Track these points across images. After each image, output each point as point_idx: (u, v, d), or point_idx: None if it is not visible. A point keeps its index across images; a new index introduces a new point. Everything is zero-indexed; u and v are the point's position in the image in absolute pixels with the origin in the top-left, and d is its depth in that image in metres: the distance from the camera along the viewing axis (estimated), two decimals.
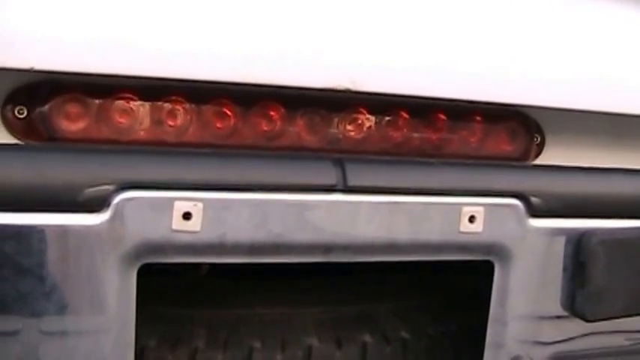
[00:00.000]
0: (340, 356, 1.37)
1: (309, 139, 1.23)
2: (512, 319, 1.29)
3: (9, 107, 1.09)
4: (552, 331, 1.34)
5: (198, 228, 1.06)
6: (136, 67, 1.04)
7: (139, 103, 1.14)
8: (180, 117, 1.16)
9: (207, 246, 1.08)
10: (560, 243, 1.28)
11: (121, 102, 1.13)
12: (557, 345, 1.34)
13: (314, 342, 1.36)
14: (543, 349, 1.34)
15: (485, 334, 1.30)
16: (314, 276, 1.48)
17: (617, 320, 1.35)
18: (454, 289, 1.52)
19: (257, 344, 1.33)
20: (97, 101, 1.12)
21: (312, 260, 1.15)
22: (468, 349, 1.37)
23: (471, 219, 1.20)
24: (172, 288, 1.42)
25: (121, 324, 1.07)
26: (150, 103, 1.14)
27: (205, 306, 1.39)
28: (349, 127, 1.25)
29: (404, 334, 1.42)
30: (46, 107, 1.10)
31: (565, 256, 1.29)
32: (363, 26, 1.13)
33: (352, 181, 1.13)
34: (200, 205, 1.06)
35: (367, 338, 1.40)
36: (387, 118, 1.27)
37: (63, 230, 1.01)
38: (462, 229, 1.20)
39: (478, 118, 1.33)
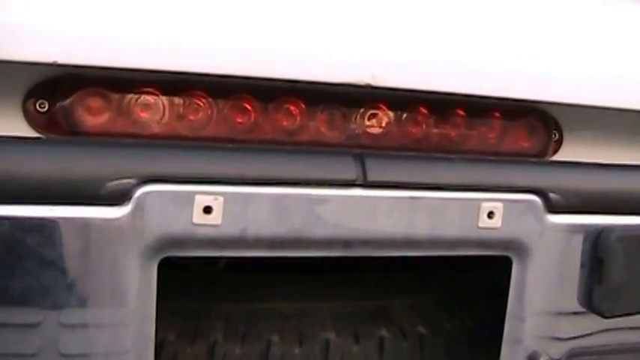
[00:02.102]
0: (357, 350, 1.38)
1: (329, 135, 1.23)
2: (529, 314, 1.29)
3: (30, 101, 1.10)
4: (570, 327, 1.33)
5: (218, 222, 1.07)
6: (157, 61, 1.05)
7: (160, 97, 1.14)
8: (200, 112, 1.17)
9: (228, 240, 1.08)
10: (579, 239, 1.28)
11: (142, 96, 1.14)
12: (574, 341, 1.34)
13: (331, 336, 1.37)
14: (560, 345, 1.33)
15: (502, 330, 1.29)
16: (331, 271, 1.49)
17: (635, 316, 1.34)
18: (471, 285, 1.52)
19: (275, 338, 1.34)
20: (118, 95, 1.13)
21: (332, 255, 1.15)
22: (484, 344, 1.37)
23: (490, 214, 1.21)
24: (191, 282, 1.42)
25: (141, 317, 1.08)
26: (171, 97, 1.15)
27: (224, 300, 1.40)
28: (369, 123, 1.26)
29: (421, 329, 1.43)
30: (68, 101, 1.11)
31: (583, 253, 1.29)
32: (384, 22, 1.13)
33: (372, 176, 1.14)
34: (221, 199, 1.06)
35: (384, 333, 1.40)
36: (407, 114, 1.27)
37: (84, 223, 1.02)
38: (481, 224, 1.20)
39: (497, 114, 1.33)
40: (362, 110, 1.25)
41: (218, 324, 1.34)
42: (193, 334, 1.32)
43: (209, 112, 1.17)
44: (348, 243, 1.15)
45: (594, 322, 1.33)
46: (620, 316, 1.32)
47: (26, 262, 1.01)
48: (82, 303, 1.05)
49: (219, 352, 1.31)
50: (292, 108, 1.21)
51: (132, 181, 1.03)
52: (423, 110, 1.28)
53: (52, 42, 0.99)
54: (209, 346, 1.31)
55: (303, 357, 1.35)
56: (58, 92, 1.10)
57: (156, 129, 1.15)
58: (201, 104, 1.16)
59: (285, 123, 1.21)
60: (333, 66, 1.11)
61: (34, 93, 1.10)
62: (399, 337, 1.41)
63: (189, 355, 1.30)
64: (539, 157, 1.38)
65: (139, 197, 1.03)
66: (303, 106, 1.21)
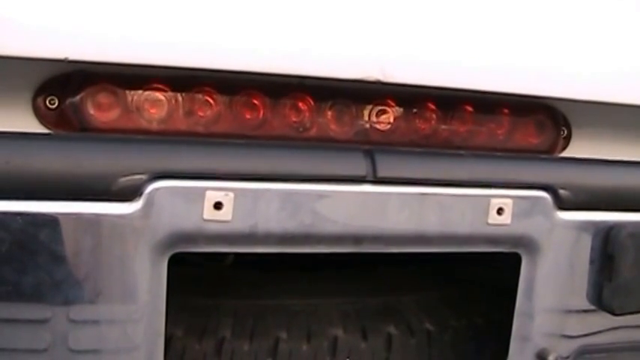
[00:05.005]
0: (365, 347, 1.38)
1: (338, 131, 1.23)
2: (538, 312, 1.29)
3: (40, 98, 1.10)
4: (579, 325, 1.33)
5: (229, 218, 1.07)
6: (166, 57, 1.05)
7: (169, 93, 1.14)
8: (209, 108, 1.17)
9: (238, 236, 1.08)
10: (588, 236, 1.28)
11: (151, 92, 1.14)
12: (583, 338, 1.34)
13: (339, 333, 1.37)
14: (570, 343, 1.33)
15: (510, 327, 1.29)
16: (339, 267, 1.49)
17: None
18: (479, 282, 1.52)
19: (283, 334, 1.34)
20: (127, 92, 1.13)
21: (342, 251, 1.15)
22: (492, 341, 1.37)
23: (500, 211, 1.20)
24: (199, 278, 1.42)
25: (151, 313, 1.08)
26: (180, 93, 1.15)
27: (232, 296, 1.40)
28: (377, 119, 1.26)
29: (428, 326, 1.43)
30: (78, 98, 1.11)
31: (593, 249, 1.29)
32: (394, 18, 1.13)
33: (382, 173, 1.14)
34: (231, 194, 1.06)
35: (392, 330, 1.40)
36: (415, 110, 1.27)
37: (96, 219, 1.02)
38: (491, 220, 1.20)
39: (505, 110, 1.33)
40: (371, 106, 1.25)
41: (226, 320, 1.34)
42: (201, 330, 1.32)
43: (218, 109, 1.17)
44: (358, 239, 1.15)
45: (604, 319, 1.33)
46: (630, 313, 1.31)
47: (37, 257, 1.01)
48: (93, 299, 1.05)
49: (227, 348, 1.31)
50: (301, 104, 1.21)
51: (143, 177, 1.03)
52: (432, 106, 1.28)
53: (63, 38, 0.99)
54: (217, 342, 1.31)
55: (310, 353, 1.35)
56: (68, 89, 1.11)
57: (165, 125, 1.15)
58: (210, 100, 1.16)
59: (294, 119, 1.21)
60: (342, 62, 1.11)
61: (44, 89, 1.10)
62: (406, 333, 1.41)
63: (197, 351, 1.30)
64: (548, 153, 1.37)
65: (149, 193, 1.03)
66: (311, 102, 1.21)
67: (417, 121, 1.28)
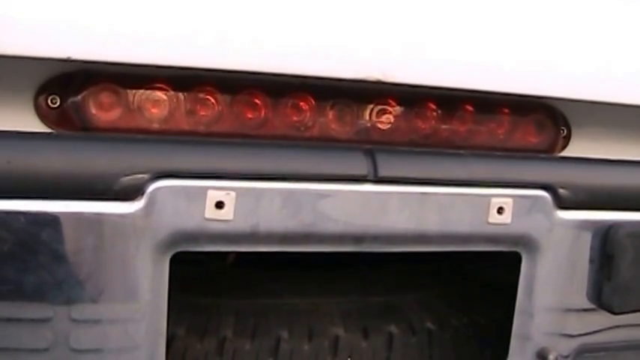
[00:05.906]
0: (366, 346, 1.38)
1: (339, 130, 1.23)
2: (538, 310, 1.29)
3: (42, 97, 1.10)
4: (579, 324, 1.33)
5: (230, 217, 1.07)
6: (168, 57, 1.05)
7: (171, 93, 1.15)
8: (211, 107, 1.17)
9: (240, 235, 1.09)
10: (588, 235, 1.28)
11: (153, 92, 1.14)
12: (583, 337, 1.34)
13: (340, 332, 1.37)
14: (570, 341, 1.34)
15: (511, 326, 1.30)
16: (340, 267, 1.49)
17: None
18: (480, 281, 1.52)
19: (284, 334, 1.34)
20: (129, 91, 1.13)
21: (343, 250, 1.15)
22: (493, 340, 1.37)
23: (500, 210, 1.21)
24: (200, 277, 1.43)
25: (153, 312, 1.08)
26: (182, 93, 1.15)
27: (233, 295, 1.40)
28: (378, 119, 1.26)
29: (429, 325, 1.43)
30: (79, 97, 1.11)
31: (592, 249, 1.29)
32: (394, 18, 1.13)
33: (383, 172, 1.14)
34: (233, 194, 1.07)
35: (393, 328, 1.40)
36: (416, 110, 1.27)
37: (98, 218, 1.02)
38: (491, 220, 1.21)
39: (505, 110, 1.33)
40: (371, 106, 1.25)
41: (228, 319, 1.34)
42: (203, 329, 1.32)
43: (219, 108, 1.17)
44: (358, 238, 1.15)
45: (604, 318, 1.33)
46: (629, 312, 1.32)
47: (39, 256, 1.01)
48: (94, 298, 1.05)
49: (229, 347, 1.31)
50: (302, 104, 1.21)
51: (145, 176, 1.03)
52: (432, 106, 1.28)
53: (66, 37, 1.00)
54: (219, 341, 1.31)
55: (312, 353, 1.35)
56: (70, 88, 1.11)
57: (167, 125, 1.15)
58: (212, 100, 1.17)
59: (295, 118, 1.21)
60: (343, 62, 1.12)
61: (45, 89, 1.10)
62: (407, 332, 1.41)
63: (199, 350, 1.30)
64: (548, 152, 1.38)
65: (151, 192, 1.04)
66: (312, 101, 1.21)
67: (418, 120, 1.28)
